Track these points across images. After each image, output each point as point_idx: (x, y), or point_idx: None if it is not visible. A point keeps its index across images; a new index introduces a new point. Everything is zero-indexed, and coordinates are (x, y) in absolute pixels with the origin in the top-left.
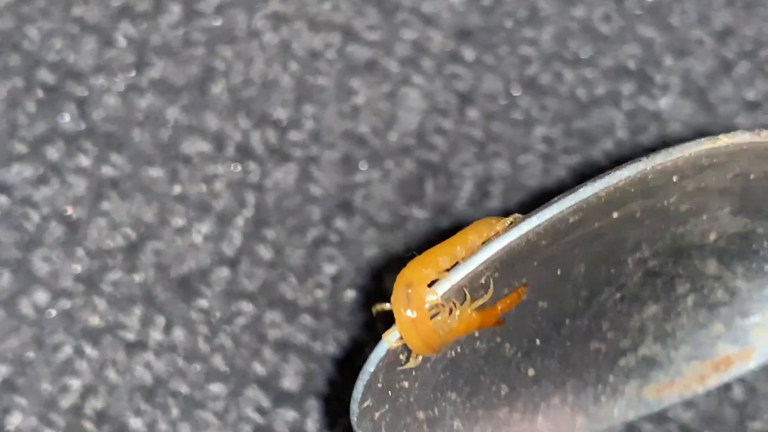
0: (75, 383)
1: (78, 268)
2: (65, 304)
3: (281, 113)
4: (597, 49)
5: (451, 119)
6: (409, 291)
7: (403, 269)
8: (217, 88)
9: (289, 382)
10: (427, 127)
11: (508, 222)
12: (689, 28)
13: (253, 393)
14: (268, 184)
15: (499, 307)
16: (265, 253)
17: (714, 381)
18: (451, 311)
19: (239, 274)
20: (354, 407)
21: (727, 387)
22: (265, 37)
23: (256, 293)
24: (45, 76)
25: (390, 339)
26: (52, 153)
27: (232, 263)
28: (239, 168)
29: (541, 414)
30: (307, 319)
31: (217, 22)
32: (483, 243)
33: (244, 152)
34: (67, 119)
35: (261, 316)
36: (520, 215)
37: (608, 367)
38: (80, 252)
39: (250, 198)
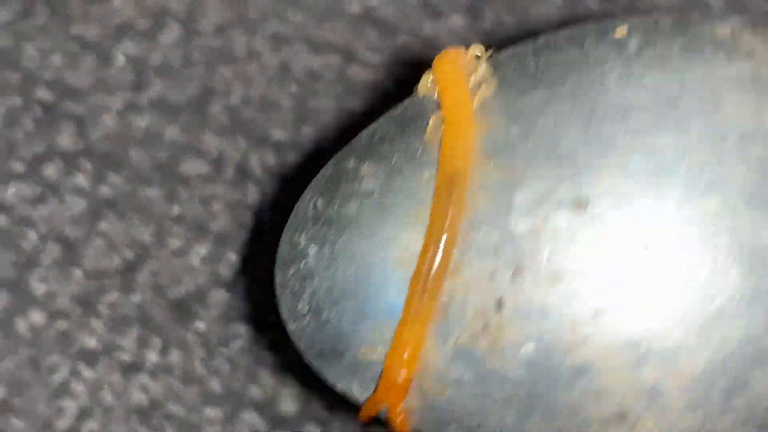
0: (71, 405)
1: (75, 288)
2: (62, 324)
3: (280, 134)
4: None
5: None
6: None
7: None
8: (216, 108)
9: (287, 406)
10: None
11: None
12: None
13: (250, 417)
14: (266, 206)
15: None
16: (262, 275)
17: None
18: None
19: (237, 297)
20: None
21: None
22: (264, 58)
23: (254, 316)
24: (43, 94)
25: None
26: (50, 172)
27: (230, 285)
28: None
29: None
30: None
31: (217, 42)
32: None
33: (243, 173)
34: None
35: (258, 339)
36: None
37: None
38: (77, 272)
39: (248, 220)
